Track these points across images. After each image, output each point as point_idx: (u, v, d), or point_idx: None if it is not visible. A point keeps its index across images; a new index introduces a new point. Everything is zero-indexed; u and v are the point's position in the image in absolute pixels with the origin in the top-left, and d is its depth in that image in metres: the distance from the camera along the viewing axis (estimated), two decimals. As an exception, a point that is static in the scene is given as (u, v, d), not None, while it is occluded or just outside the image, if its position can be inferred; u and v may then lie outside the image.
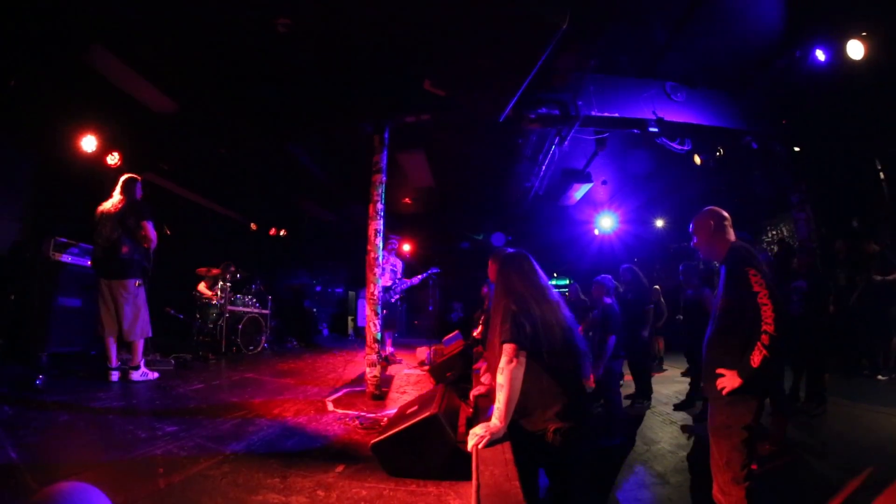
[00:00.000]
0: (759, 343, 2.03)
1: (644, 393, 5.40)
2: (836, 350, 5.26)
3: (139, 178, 4.48)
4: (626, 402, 5.37)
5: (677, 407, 5.06)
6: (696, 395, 4.97)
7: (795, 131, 5.63)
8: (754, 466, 2.12)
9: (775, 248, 8.48)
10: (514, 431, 2.02)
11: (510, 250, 2.50)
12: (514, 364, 1.98)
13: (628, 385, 5.60)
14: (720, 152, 5.80)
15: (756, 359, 2.03)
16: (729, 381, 2.13)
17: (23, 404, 3.12)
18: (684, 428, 4.49)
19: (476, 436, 1.96)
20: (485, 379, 2.76)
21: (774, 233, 8.73)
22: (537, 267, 2.37)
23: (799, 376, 4.72)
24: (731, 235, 2.42)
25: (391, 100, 4.54)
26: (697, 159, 5.81)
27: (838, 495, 2.77)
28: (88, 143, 5.58)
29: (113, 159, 5.89)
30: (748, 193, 7.58)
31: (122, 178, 4.38)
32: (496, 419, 1.96)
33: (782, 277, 4.87)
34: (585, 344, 2.29)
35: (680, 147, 5.46)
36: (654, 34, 4.72)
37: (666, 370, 7.03)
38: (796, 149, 5.79)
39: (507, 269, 2.36)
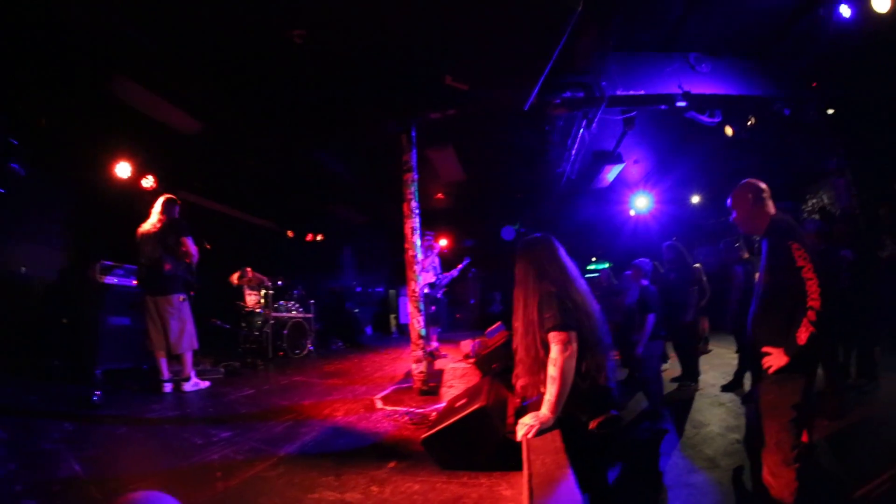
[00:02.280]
0: (805, 319, 1.96)
1: (691, 375, 5.24)
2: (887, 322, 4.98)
3: (176, 197, 4.65)
4: (672, 385, 5.26)
5: (725, 388, 4.91)
6: (744, 375, 4.82)
7: (827, 93, 5.37)
8: (805, 438, 2.04)
9: (816, 217, 8.11)
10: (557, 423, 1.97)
11: (534, 235, 2.41)
12: (567, 353, 1.91)
13: (674, 366, 5.47)
14: (752, 121, 5.57)
15: (803, 336, 1.96)
16: (775, 359, 2.07)
17: (82, 420, 3.23)
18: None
19: (525, 426, 1.94)
20: (520, 383, 2.26)
21: (814, 201, 8.33)
22: (564, 252, 2.28)
23: (849, 351, 4.49)
24: (771, 208, 2.33)
25: (414, 98, 4.53)
26: (729, 131, 5.59)
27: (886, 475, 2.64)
28: (122, 169, 5.84)
29: (147, 182, 6.15)
30: (784, 162, 7.26)
31: (161, 199, 4.55)
32: (546, 409, 1.93)
33: (827, 248, 4.65)
34: (610, 337, 2.21)
35: (710, 120, 5.29)
36: (670, 4, 4.58)
37: (711, 350, 6.81)
38: (830, 111, 5.51)
39: (535, 252, 2.26)
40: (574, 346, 1.93)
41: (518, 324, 2.24)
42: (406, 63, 4.14)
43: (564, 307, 1.99)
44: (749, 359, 4.16)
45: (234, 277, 7.01)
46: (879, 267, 4.59)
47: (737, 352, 5.46)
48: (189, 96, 5.05)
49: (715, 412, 4.39)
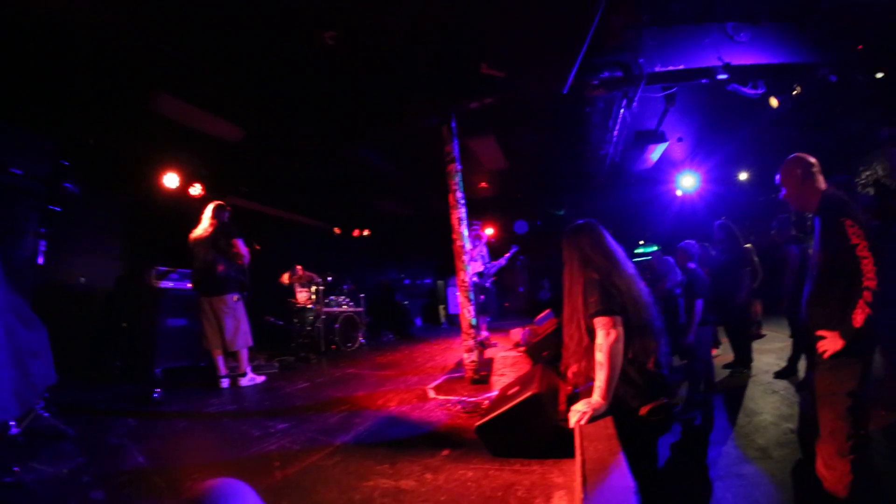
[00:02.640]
0: (860, 300, 1.87)
1: (743, 361, 5.04)
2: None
3: (225, 203, 4.86)
4: (724, 372, 5.08)
5: (778, 374, 4.71)
6: (798, 360, 4.61)
7: (874, 55, 4.97)
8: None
9: (871, 191, 7.61)
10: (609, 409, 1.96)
11: (578, 222, 2.38)
12: (612, 337, 1.90)
13: (726, 351, 5.26)
14: (797, 91, 5.25)
15: (858, 318, 1.87)
16: (830, 343, 1.97)
17: (144, 416, 3.43)
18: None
19: (578, 412, 1.94)
20: (571, 371, 2.26)
21: (868, 174, 7.81)
22: (609, 237, 2.26)
23: None
24: (822, 183, 2.22)
25: (452, 89, 4.51)
26: (774, 102, 5.27)
27: None
28: (171, 179, 6.14)
29: (195, 190, 6.44)
30: (834, 134, 6.84)
31: (211, 205, 4.77)
32: (597, 396, 1.92)
33: (882, 223, 4.35)
34: (661, 321, 2.17)
35: (753, 91, 4.98)
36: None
37: (765, 335, 6.53)
38: (879, 75, 5.12)
39: (579, 239, 2.25)
40: (620, 330, 1.92)
41: (565, 311, 2.25)
42: (441, 54, 4.12)
43: (608, 292, 1.99)
44: (803, 343, 3.98)
45: (285, 277, 7.27)
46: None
47: (791, 336, 5.22)
48: (229, 105, 5.23)
49: (768, 400, 4.22)
